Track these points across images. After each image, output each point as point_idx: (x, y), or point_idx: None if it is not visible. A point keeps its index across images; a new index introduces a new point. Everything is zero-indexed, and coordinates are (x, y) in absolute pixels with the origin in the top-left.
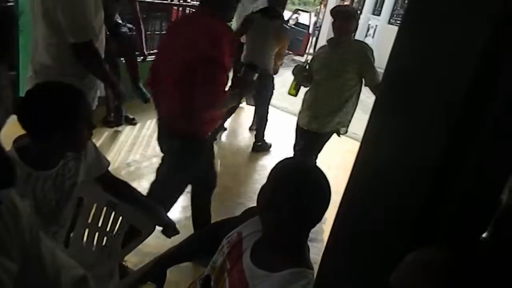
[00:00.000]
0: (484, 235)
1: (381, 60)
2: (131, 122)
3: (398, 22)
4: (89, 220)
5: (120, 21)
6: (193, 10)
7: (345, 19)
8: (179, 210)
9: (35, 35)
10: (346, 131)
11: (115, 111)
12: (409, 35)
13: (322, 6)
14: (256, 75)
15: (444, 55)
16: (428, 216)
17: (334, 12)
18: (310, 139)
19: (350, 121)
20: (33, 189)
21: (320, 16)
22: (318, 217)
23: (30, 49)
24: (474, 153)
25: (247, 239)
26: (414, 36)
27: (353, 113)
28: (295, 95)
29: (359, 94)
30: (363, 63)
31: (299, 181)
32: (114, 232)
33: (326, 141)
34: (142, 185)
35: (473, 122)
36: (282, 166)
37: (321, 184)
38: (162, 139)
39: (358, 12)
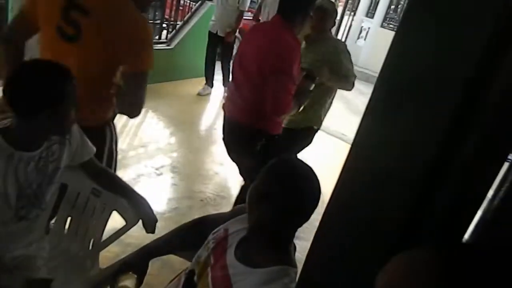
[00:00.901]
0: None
1: (372, 63)
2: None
3: (391, 26)
4: (72, 208)
5: None
6: (188, 1)
7: (320, 16)
8: (164, 201)
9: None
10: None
11: None
12: (407, 35)
13: None
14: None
15: (443, 56)
16: (416, 218)
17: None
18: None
19: (321, 119)
20: (15, 169)
21: None
22: (308, 214)
23: None
24: (468, 155)
25: (232, 236)
26: (412, 36)
27: (323, 112)
28: None
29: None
30: (333, 64)
31: (295, 177)
32: (97, 221)
33: (302, 139)
34: (128, 175)
35: (468, 125)
36: (278, 162)
37: (315, 182)
38: (231, 136)
39: (336, 8)
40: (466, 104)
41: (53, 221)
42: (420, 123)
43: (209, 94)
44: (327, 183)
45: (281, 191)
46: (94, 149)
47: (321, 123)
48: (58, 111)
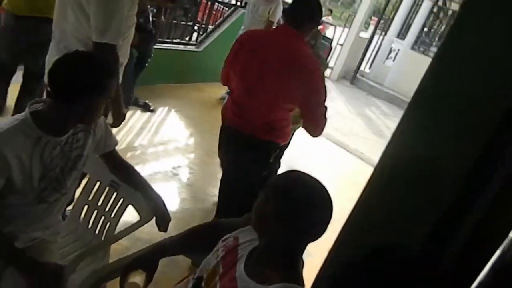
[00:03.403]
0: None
1: (398, 84)
2: (149, 109)
3: (421, 49)
4: (90, 197)
5: (151, 17)
6: (220, 5)
7: None
8: (177, 201)
9: (63, 25)
10: None
11: (123, 93)
12: (447, 55)
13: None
14: None
15: (482, 84)
16: (434, 248)
17: None
18: None
19: None
20: (42, 152)
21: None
22: (321, 232)
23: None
24: (499, 179)
25: (243, 246)
26: (453, 60)
27: None
28: None
29: None
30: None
31: (306, 196)
32: (113, 213)
33: None
34: (145, 171)
35: (502, 154)
36: (285, 179)
37: (328, 198)
38: (233, 146)
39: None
40: (503, 134)
41: (69, 207)
42: (454, 141)
43: None
44: (343, 200)
45: (294, 213)
46: (117, 141)
47: None
48: (94, 102)
